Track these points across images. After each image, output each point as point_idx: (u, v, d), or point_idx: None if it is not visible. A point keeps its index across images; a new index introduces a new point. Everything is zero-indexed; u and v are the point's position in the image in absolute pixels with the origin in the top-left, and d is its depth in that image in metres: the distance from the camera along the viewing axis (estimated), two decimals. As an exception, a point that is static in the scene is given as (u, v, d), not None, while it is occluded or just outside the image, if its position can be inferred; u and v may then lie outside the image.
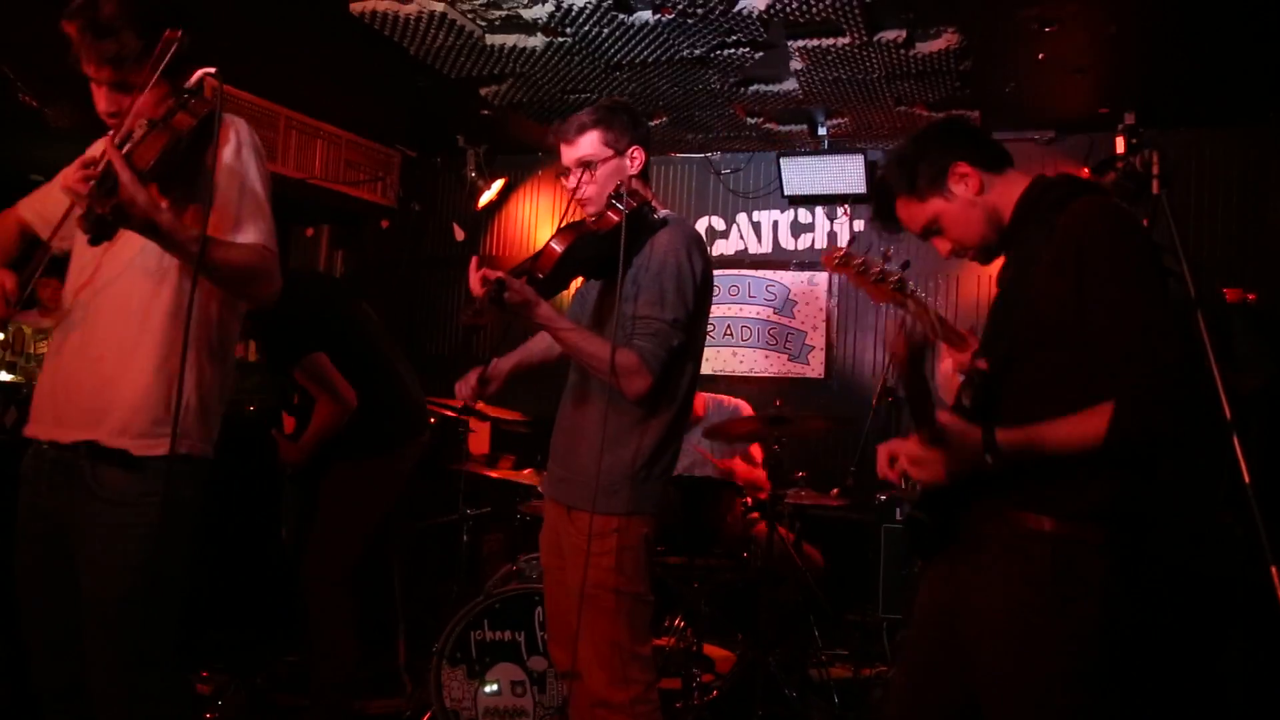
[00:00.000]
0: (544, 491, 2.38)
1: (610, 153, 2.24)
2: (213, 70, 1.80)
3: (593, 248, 2.13)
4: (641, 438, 2.20)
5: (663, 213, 2.29)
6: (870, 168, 4.98)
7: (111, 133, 1.82)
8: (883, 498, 4.33)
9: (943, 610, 1.77)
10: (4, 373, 4.45)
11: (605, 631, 2.14)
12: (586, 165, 2.25)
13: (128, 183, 1.63)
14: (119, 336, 1.91)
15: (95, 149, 2.03)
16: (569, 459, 2.27)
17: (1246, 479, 1.81)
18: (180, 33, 1.80)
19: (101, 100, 1.88)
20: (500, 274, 1.94)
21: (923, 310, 2.05)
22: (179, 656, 2.00)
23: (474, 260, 2.04)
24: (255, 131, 1.99)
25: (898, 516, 4.36)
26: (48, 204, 2.09)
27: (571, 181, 2.28)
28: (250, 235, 1.89)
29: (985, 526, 1.69)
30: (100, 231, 1.62)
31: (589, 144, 2.26)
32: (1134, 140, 4.18)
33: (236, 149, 1.91)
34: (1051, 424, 1.57)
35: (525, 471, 3.89)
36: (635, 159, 2.29)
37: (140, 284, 1.91)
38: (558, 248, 2.08)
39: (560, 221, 2.16)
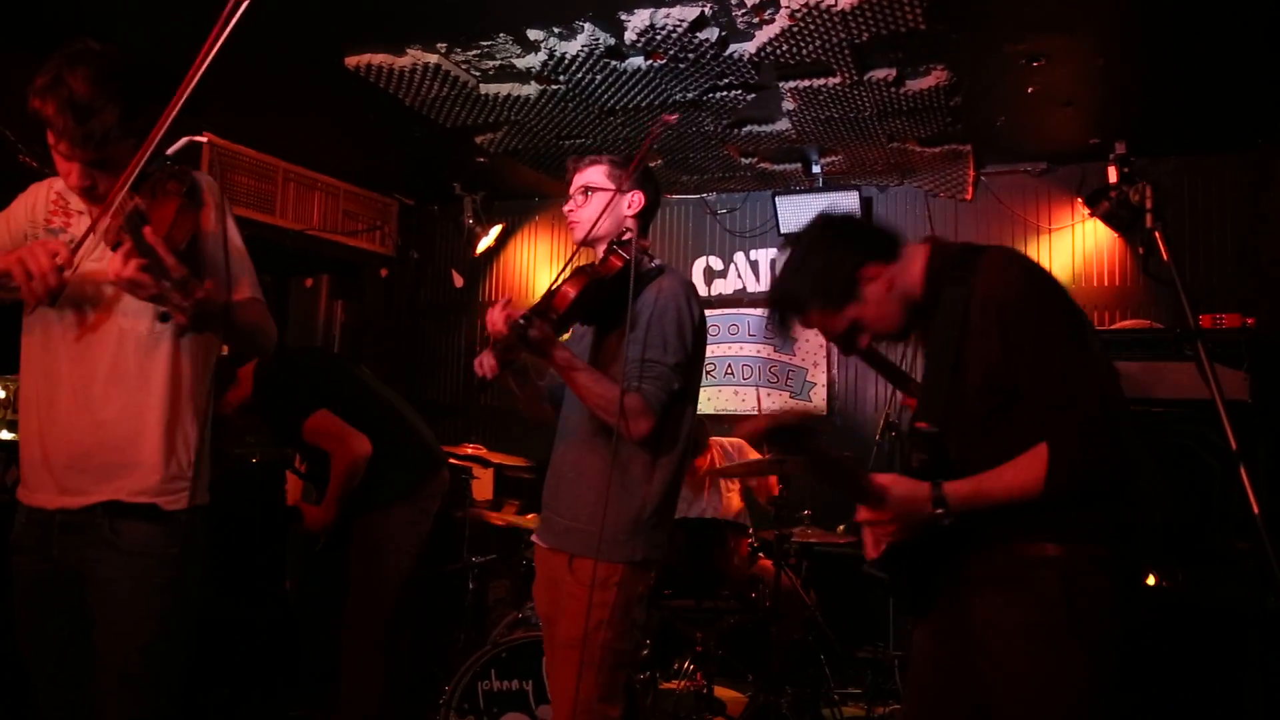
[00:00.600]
0: (541, 542, 2.37)
1: (612, 186, 2.32)
2: (202, 139, 1.80)
3: (598, 291, 2.19)
4: (649, 484, 2.23)
5: (656, 262, 2.37)
6: (866, 204, 5.02)
7: (108, 206, 1.75)
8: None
9: (945, 658, 1.81)
10: (5, 432, 4.44)
11: (583, 684, 2.14)
12: (587, 190, 2.35)
13: (184, 276, 1.59)
14: (122, 401, 1.89)
15: (74, 200, 1.97)
16: (573, 508, 2.26)
17: (1256, 509, 1.80)
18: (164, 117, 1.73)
19: (73, 175, 1.82)
20: (523, 312, 2.02)
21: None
22: (186, 711, 1.99)
23: (500, 301, 2.12)
24: (249, 182, 2.02)
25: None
26: None
27: (570, 205, 2.38)
28: (245, 291, 1.91)
29: (977, 569, 1.74)
30: (199, 326, 1.65)
31: (595, 173, 2.37)
32: (1126, 169, 4.21)
33: (219, 211, 1.90)
34: (994, 474, 1.66)
35: (529, 516, 3.87)
36: (634, 203, 2.36)
37: (133, 349, 1.90)
38: (571, 291, 2.14)
39: (565, 265, 2.22)
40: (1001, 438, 1.70)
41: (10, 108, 3.77)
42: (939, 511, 1.66)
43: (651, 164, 4.92)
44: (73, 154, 1.78)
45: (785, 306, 1.92)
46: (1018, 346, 1.67)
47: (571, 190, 2.39)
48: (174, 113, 1.69)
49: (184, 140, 1.84)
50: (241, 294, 1.89)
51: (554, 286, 2.15)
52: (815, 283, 1.86)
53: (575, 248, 2.38)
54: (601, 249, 2.29)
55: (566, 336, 2.55)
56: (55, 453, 1.89)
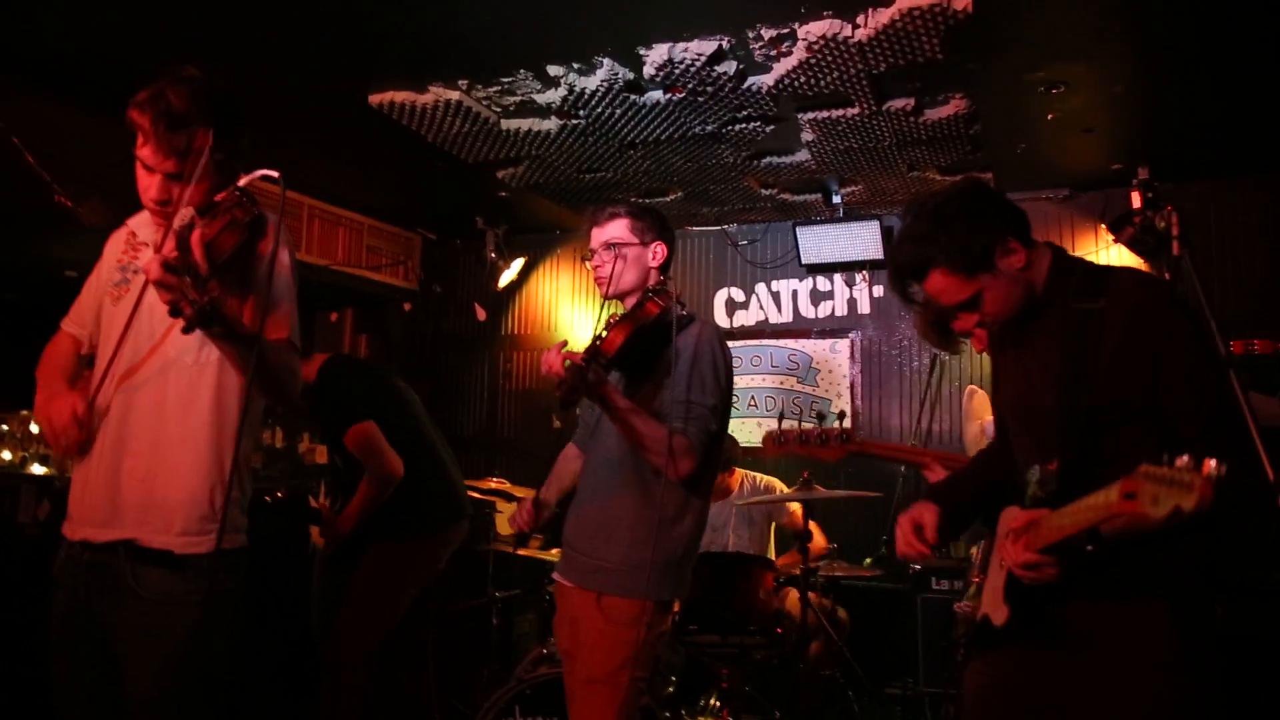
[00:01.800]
0: (564, 580, 2.39)
1: (635, 240, 2.39)
2: (275, 174, 1.81)
3: (640, 337, 2.26)
4: (681, 524, 2.29)
5: (687, 310, 2.43)
6: (886, 233, 5.00)
7: (171, 222, 1.79)
8: (918, 567, 4.23)
9: (1011, 700, 1.76)
10: (38, 466, 4.50)
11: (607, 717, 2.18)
12: (611, 247, 2.39)
13: (209, 290, 1.63)
14: (155, 435, 1.90)
15: (143, 232, 2.08)
16: (602, 548, 2.29)
17: (1293, 539, 1.75)
18: (230, 132, 1.88)
19: (153, 188, 1.88)
20: (580, 357, 2.11)
21: (881, 447, 2.11)
22: None
23: (557, 345, 2.19)
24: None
25: (934, 586, 4.25)
26: (83, 313, 2.13)
27: (594, 261, 2.43)
28: (281, 331, 1.91)
29: (1086, 605, 1.68)
30: (204, 321, 1.61)
31: (617, 228, 2.41)
32: (1149, 195, 4.18)
33: (276, 250, 1.89)
34: None
35: (554, 551, 3.85)
36: (657, 254, 2.43)
37: (177, 382, 1.92)
38: (619, 338, 2.23)
39: (599, 318, 2.32)
40: (1112, 454, 1.63)
41: (48, 150, 3.87)
42: (1090, 547, 1.56)
43: (670, 197, 4.95)
44: (156, 162, 1.85)
45: (915, 259, 1.78)
46: (1173, 364, 1.65)
47: (594, 245, 2.44)
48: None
49: (259, 173, 1.83)
50: (276, 333, 1.88)
51: (600, 334, 2.24)
52: (957, 240, 1.73)
53: (603, 303, 2.43)
54: (631, 301, 2.38)
55: None
56: (92, 482, 1.92)
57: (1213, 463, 1.27)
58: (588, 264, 2.48)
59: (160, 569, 1.85)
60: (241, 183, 1.84)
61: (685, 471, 2.22)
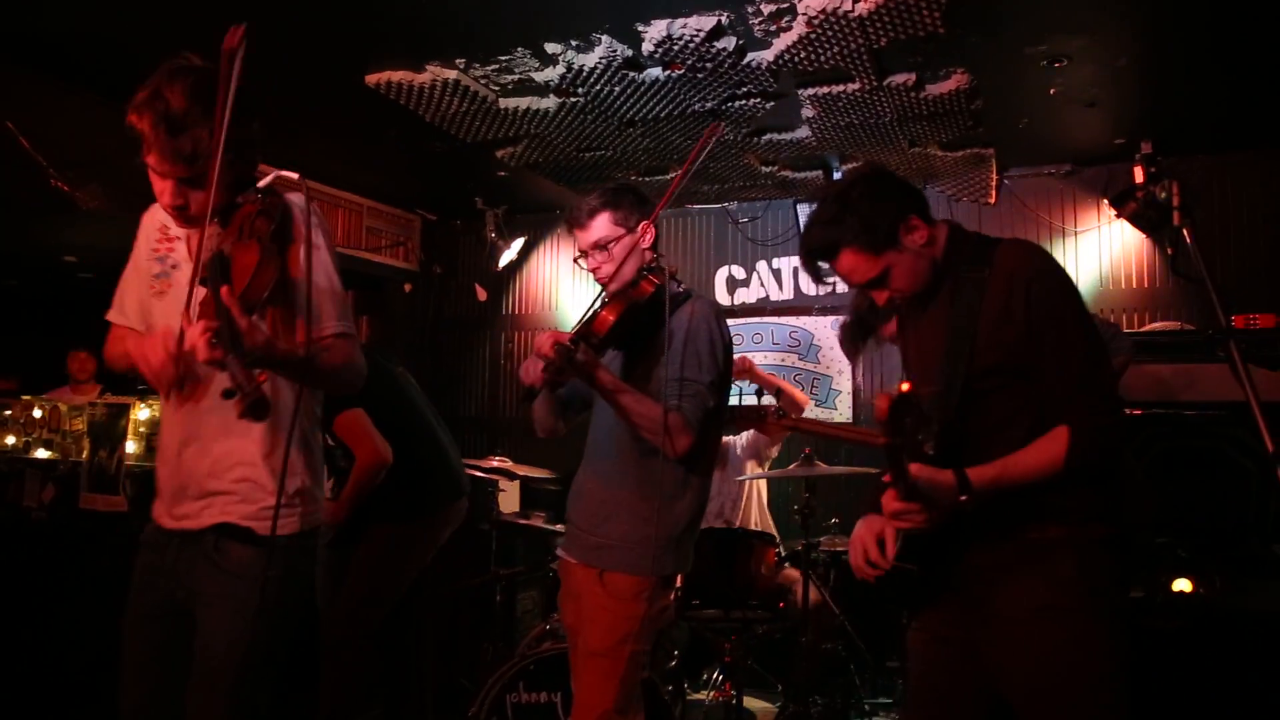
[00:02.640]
0: (567, 555, 2.42)
1: (622, 231, 2.36)
2: (294, 175, 1.82)
3: (634, 315, 2.26)
4: (687, 500, 2.31)
5: (683, 286, 2.43)
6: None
7: (200, 238, 1.77)
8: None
9: (953, 650, 1.84)
10: (42, 450, 4.51)
11: (604, 697, 2.20)
12: (602, 246, 2.37)
13: (255, 344, 1.64)
14: (229, 429, 1.90)
15: (151, 224, 2.07)
16: (604, 525, 2.31)
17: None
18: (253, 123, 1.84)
19: (167, 194, 1.83)
20: (570, 337, 2.10)
21: (818, 425, 2.17)
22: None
23: (551, 331, 2.19)
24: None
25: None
26: (124, 305, 2.11)
27: (590, 264, 2.41)
28: (329, 327, 1.89)
29: (985, 558, 1.77)
30: (256, 413, 1.59)
31: (601, 226, 2.38)
32: (1152, 169, 4.16)
33: (309, 245, 1.84)
34: (1015, 456, 1.71)
35: (558, 526, 3.88)
36: (647, 234, 2.40)
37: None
38: (610, 316, 2.22)
39: (597, 297, 2.31)
40: (995, 418, 1.77)
41: (43, 134, 3.86)
42: (963, 498, 1.67)
43: (670, 175, 4.93)
44: (164, 169, 1.79)
45: (824, 241, 1.88)
46: (1044, 325, 1.74)
47: (584, 248, 2.41)
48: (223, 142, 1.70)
49: (273, 175, 1.83)
50: (325, 330, 1.88)
51: (592, 312, 2.23)
52: (863, 220, 1.83)
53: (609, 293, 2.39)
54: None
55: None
56: (170, 479, 1.98)
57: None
58: (581, 265, 2.45)
59: (241, 544, 1.91)
60: (261, 183, 1.83)
61: (683, 449, 2.23)
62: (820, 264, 1.92)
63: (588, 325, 2.22)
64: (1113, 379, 1.75)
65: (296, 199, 1.90)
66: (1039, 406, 1.75)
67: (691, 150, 2.60)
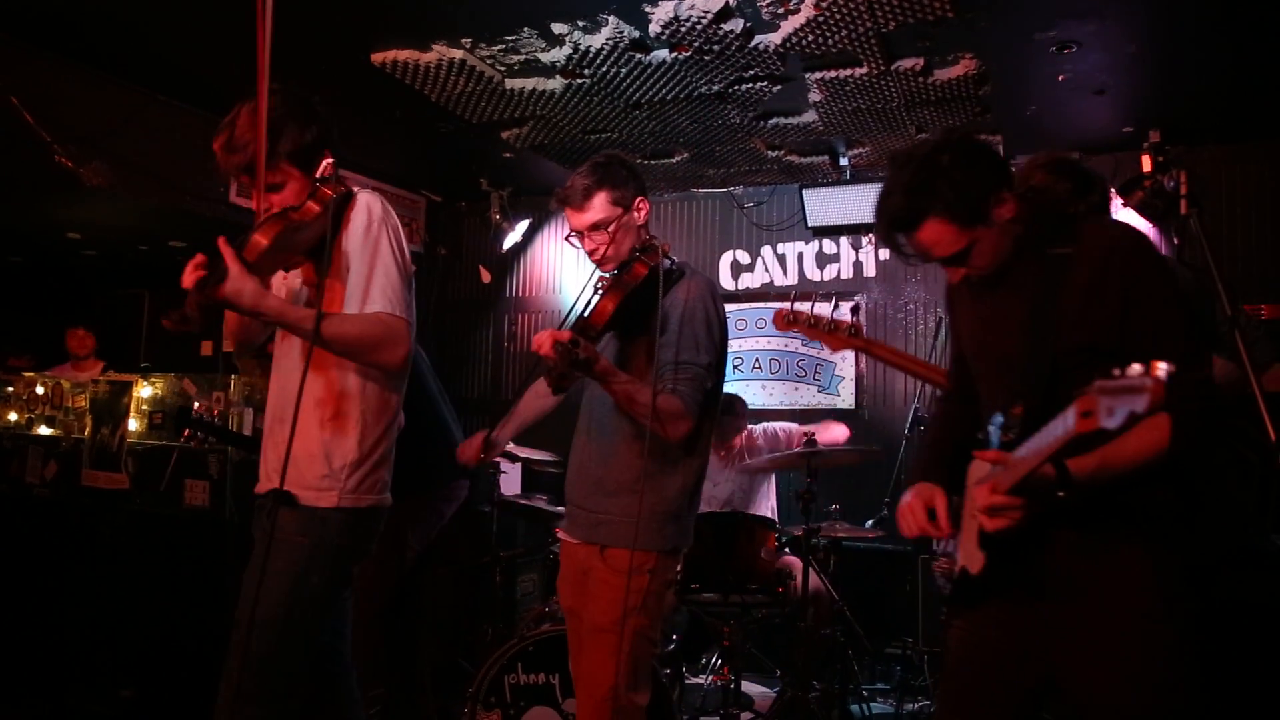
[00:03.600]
0: (568, 536, 2.41)
1: (619, 210, 2.30)
2: (329, 159, 2.09)
3: (632, 300, 2.22)
4: (683, 477, 2.31)
5: (677, 263, 2.37)
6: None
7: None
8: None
9: (996, 651, 1.76)
10: (44, 427, 4.52)
11: (609, 673, 2.18)
12: (600, 228, 2.30)
13: (234, 276, 1.85)
14: (288, 397, 2.07)
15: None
16: (603, 501, 2.30)
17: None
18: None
19: (254, 200, 2.09)
20: (570, 335, 2.06)
21: (887, 350, 2.08)
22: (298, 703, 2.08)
23: (549, 330, 2.13)
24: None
25: (935, 546, 4.28)
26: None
27: (588, 245, 2.34)
28: (376, 305, 2.03)
29: (1061, 558, 1.68)
30: (206, 318, 1.83)
31: (599, 207, 2.30)
32: (1160, 158, 4.12)
33: (366, 226, 2.07)
34: (1115, 445, 1.55)
35: (559, 508, 3.87)
36: (642, 209, 2.35)
37: (298, 359, 2.11)
38: (609, 305, 2.19)
39: (589, 282, 2.28)
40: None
41: (48, 111, 3.85)
42: (1061, 493, 1.55)
43: (676, 159, 4.92)
44: (229, 173, 2.11)
45: (909, 209, 1.70)
46: (1140, 305, 1.64)
47: (580, 228, 2.34)
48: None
49: (326, 162, 2.12)
50: (371, 306, 2.04)
51: (590, 303, 2.20)
52: (956, 189, 1.67)
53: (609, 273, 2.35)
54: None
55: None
56: (264, 448, 2.21)
57: (1162, 364, 1.21)
58: (574, 244, 2.39)
59: (286, 509, 2.04)
60: (317, 174, 2.11)
61: (681, 433, 2.22)
62: (900, 235, 1.74)
63: (585, 318, 2.18)
64: (1209, 366, 1.65)
65: (369, 195, 2.14)
66: None
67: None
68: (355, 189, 2.15)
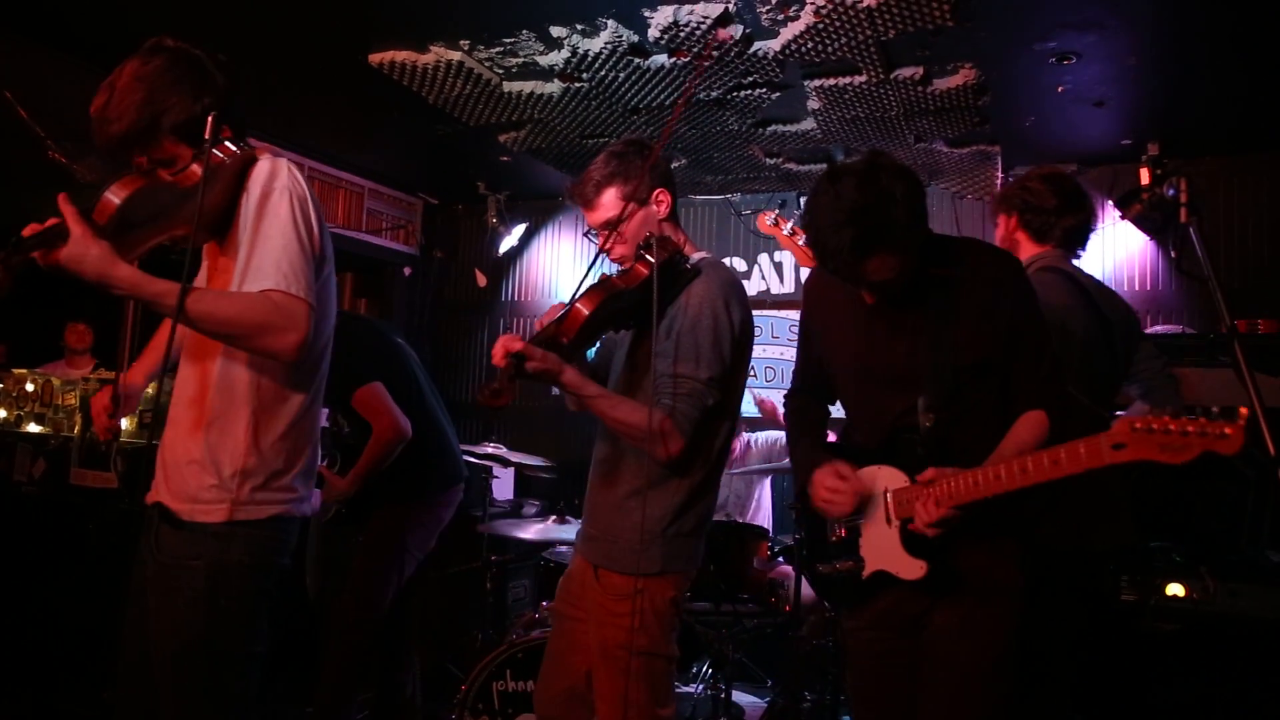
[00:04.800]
0: (577, 548, 2.33)
1: (633, 205, 2.12)
2: (210, 115, 1.79)
3: (622, 304, 2.03)
4: (672, 496, 2.12)
5: (696, 257, 2.20)
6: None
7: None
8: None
9: (897, 643, 1.97)
10: (34, 424, 4.49)
11: (624, 692, 2.06)
12: (612, 226, 2.12)
13: (75, 238, 1.63)
14: (184, 400, 1.92)
15: None
16: (597, 516, 2.22)
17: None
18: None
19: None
20: (521, 346, 1.84)
21: None
22: None
23: (509, 335, 1.91)
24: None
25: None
26: None
27: (601, 243, 2.16)
28: (268, 280, 1.76)
29: (963, 554, 1.88)
30: (5, 281, 1.60)
31: (610, 203, 2.15)
32: (1158, 171, 4.12)
33: (264, 191, 1.80)
34: (1012, 447, 1.81)
35: (550, 519, 3.84)
36: (662, 202, 2.20)
37: (196, 351, 1.92)
38: (584, 310, 1.97)
39: (584, 277, 2.05)
40: (974, 412, 1.87)
41: (41, 105, 3.83)
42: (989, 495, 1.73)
43: (674, 165, 4.90)
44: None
45: (865, 241, 1.72)
46: (1023, 325, 1.88)
47: (594, 225, 2.20)
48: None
49: (209, 120, 1.80)
50: (254, 285, 1.77)
51: (568, 306, 2.00)
52: (910, 216, 1.74)
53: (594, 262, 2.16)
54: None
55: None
56: (157, 451, 1.98)
57: (1245, 410, 1.45)
58: (591, 239, 2.23)
59: (173, 531, 1.83)
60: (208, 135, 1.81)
61: (672, 453, 2.03)
62: (852, 262, 1.76)
63: (557, 324, 1.97)
64: (1062, 380, 1.94)
65: (272, 162, 1.85)
66: (1004, 401, 1.88)
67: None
68: (262, 155, 1.86)
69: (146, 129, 1.80)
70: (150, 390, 2.19)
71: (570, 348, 1.98)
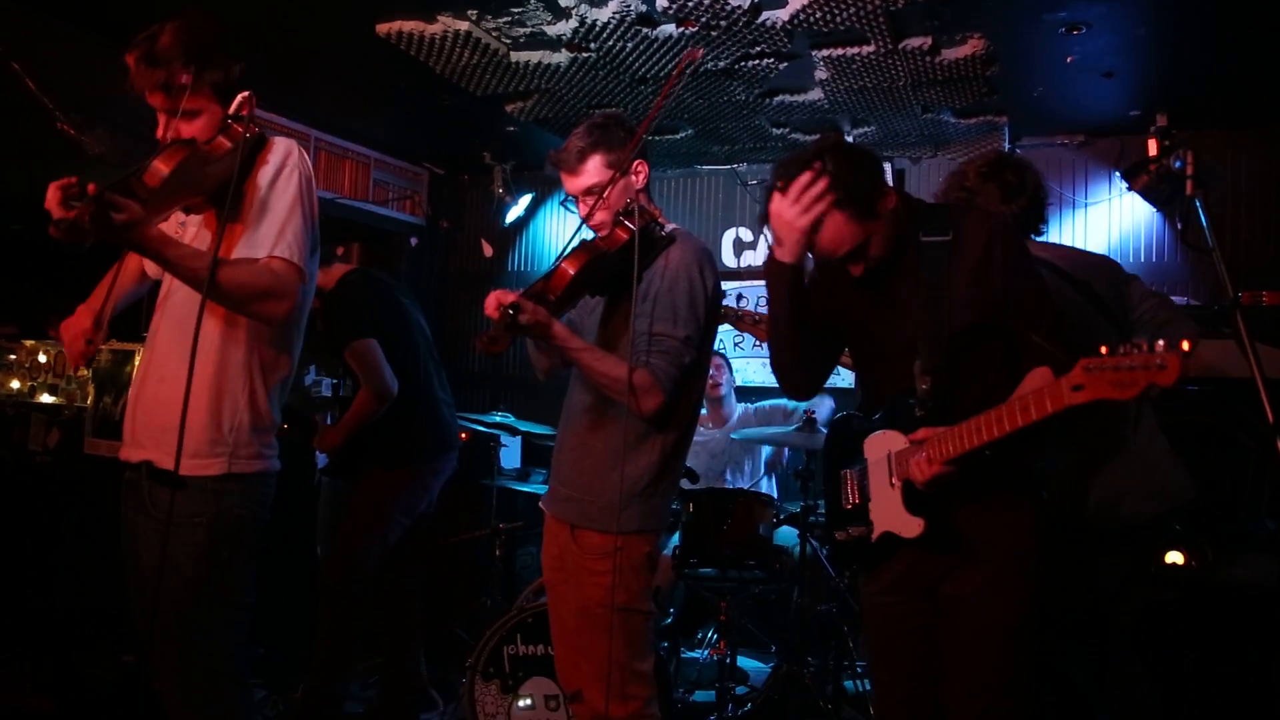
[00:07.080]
0: (546, 509, 2.37)
1: (615, 174, 2.20)
2: (246, 94, 1.90)
3: (603, 266, 2.14)
4: (649, 455, 2.20)
5: (669, 227, 2.29)
6: (898, 176, 4.95)
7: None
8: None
9: (914, 604, 2.00)
10: (47, 395, 4.54)
11: (605, 649, 2.13)
12: (595, 193, 2.21)
13: (129, 198, 1.70)
14: (171, 357, 1.95)
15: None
16: (576, 478, 2.26)
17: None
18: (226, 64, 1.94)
19: (160, 128, 1.97)
20: (514, 297, 1.95)
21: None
22: (244, 670, 2.05)
23: (496, 291, 2.05)
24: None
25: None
26: None
27: (582, 210, 2.25)
28: (280, 250, 1.93)
29: (969, 511, 1.91)
30: (71, 235, 1.68)
31: (594, 170, 2.23)
32: (1166, 143, 4.12)
33: (279, 167, 1.97)
34: (1017, 400, 1.79)
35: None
36: (640, 173, 2.28)
37: (191, 305, 1.94)
38: (570, 269, 2.09)
39: (569, 243, 2.18)
40: (974, 373, 1.89)
41: (51, 77, 3.83)
42: (987, 452, 1.73)
43: (680, 135, 4.90)
44: (146, 97, 1.95)
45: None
46: (1021, 283, 1.90)
47: (574, 192, 2.28)
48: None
49: (240, 97, 1.94)
50: (260, 252, 1.93)
51: (555, 264, 2.11)
52: (848, 188, 1.86)
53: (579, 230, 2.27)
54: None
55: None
56: (131, 406, 2.04)
57: (1186, 343, 1.43)
58: (569, 208, 2.32)
59: (166, 489, 1.88)
60: (231, 110, 1.94)
61: (651, 408, 2.12)
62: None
63: (545, 280, 2.08)
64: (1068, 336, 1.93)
65: (283, 140, 2.03)
66: (1008, 361, 1.89)
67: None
68: (270, 135, 2.04)
69: (197, 67, 1.89)
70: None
71: (556, 304, 2.08)
